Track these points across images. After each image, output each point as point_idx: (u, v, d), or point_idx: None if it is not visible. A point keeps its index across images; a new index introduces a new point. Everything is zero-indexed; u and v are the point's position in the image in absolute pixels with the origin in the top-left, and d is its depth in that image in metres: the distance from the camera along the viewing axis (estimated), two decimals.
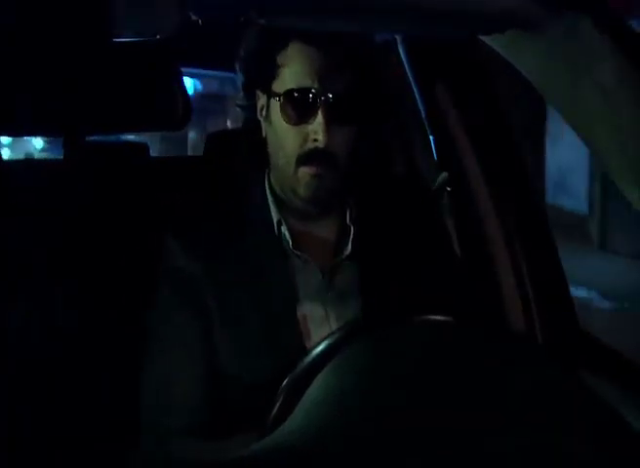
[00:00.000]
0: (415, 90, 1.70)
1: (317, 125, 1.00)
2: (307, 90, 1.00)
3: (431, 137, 1.70)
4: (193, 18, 0.92)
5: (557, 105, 0.94)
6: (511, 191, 1.56)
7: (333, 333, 0.75)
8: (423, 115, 1.70)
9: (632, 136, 0.85)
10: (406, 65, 1.68)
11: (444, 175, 1.66)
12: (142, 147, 1.62)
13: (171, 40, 1.51)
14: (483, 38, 1.00)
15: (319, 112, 1.00)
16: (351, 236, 1.10)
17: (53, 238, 1.37)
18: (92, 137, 1.55)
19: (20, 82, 1.39)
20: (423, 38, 1.60)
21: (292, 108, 1.02)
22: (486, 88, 1.60)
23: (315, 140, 1.01)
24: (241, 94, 1.12)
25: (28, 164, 1.83)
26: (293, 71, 1.02)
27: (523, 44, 0.91)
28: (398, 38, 1.71)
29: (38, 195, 1.41)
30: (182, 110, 1.53)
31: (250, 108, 1.10)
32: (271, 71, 1.03)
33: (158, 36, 1.43)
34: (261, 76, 1.05)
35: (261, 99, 1.08)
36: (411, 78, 1.69)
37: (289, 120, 1.02)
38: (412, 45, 1.67)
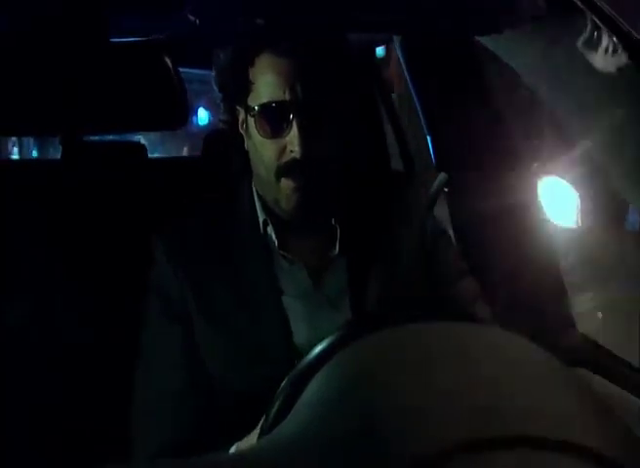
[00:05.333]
0: (412, 90, 1.70)
1: (292, 136, 0.99)
2: (279, 102, 1.00)
3: (429, 137, 1.70)
4: (191, 18, 0.92)
5: (553, 107, 0.94)
6: (510, 191, 1.56)
7: (330, 335, 0.75)
8: (421, 115, 1.70)
9: (631, 137, 0.85)
10: (404, 66, 1.68)
11: (443, 175, 1.66)
12: (140, 147, 1.62)
13: (168, 40, 1.51)
14: (480, 39, 1.00)
15: (293, 123, 0.99)
16: (338, 236, 1.10)
17: (51, 238, 1.37)
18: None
19: (19, 82, 1.39)
20: (421, 38, 1.60)
21: (266, 122, 1.01)
22: (484, 87, 1.60)
23: (292, 152, 1.00)
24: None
25: (26, 164, 1.83)
26: (264, 84, 1.01)
27: (519, 44, 0.91)
28: (396, 38, 1.71)
29: (36, 195, 1.41)
30: (180, 110, 1.53)
31: (232, 124, 1.10)
32: (245, 86, 1.03)
33: (155, 36, 1.44)
34: (237, 92, 1.05)
35: (241, 114, 1.07)
36: (408, 78, 1.69)
37: (265, 134, 1.02)
38: (409, 45, 1.67)
